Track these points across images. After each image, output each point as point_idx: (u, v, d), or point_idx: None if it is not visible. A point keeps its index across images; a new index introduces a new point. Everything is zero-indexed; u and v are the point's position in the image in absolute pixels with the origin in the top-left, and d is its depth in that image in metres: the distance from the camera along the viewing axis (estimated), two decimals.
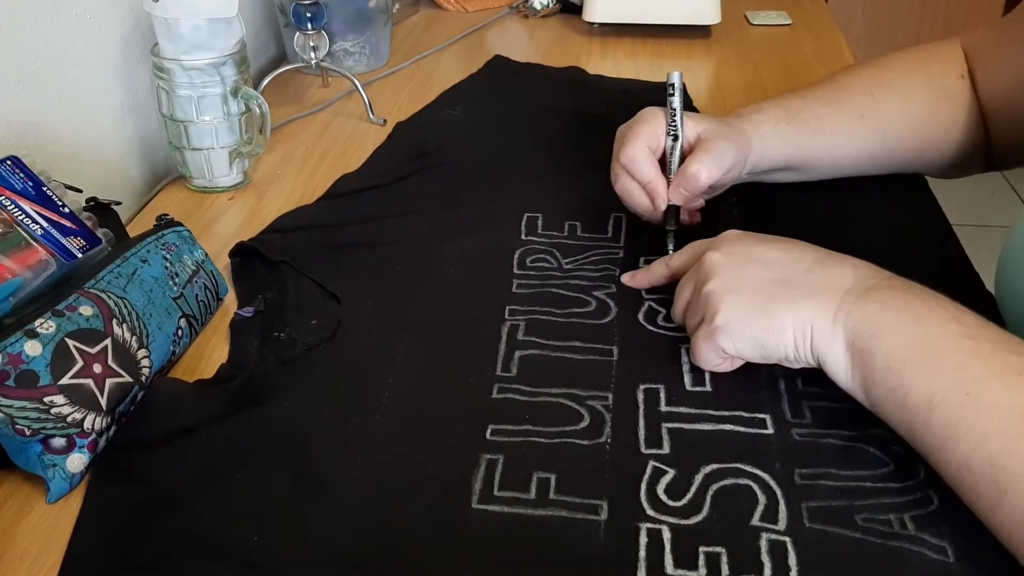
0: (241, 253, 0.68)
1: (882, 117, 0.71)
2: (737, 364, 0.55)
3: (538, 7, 1.24)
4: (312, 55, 0.94)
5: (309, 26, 0.92)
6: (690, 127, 0.66)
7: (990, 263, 0.61)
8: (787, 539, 0.45)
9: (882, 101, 0.71)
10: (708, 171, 0.64)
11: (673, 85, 0.66)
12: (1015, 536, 0.42)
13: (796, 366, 0.52)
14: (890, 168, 0.75)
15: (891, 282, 0.50)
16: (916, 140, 0.72)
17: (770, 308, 0.51)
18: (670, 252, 0.66)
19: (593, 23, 1.17)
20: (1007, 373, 0.44)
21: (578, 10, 1.19)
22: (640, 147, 0.66)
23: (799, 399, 0.54)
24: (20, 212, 0.53)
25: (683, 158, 0.66)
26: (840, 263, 0.52)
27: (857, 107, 0.71)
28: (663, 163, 0.67)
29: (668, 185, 0.66)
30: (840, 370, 0.50)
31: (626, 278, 0.65)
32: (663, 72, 0.71)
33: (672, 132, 0.66)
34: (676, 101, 0.66)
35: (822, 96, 0.72)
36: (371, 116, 0.93)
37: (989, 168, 0.75)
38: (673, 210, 0.66)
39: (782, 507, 0.47)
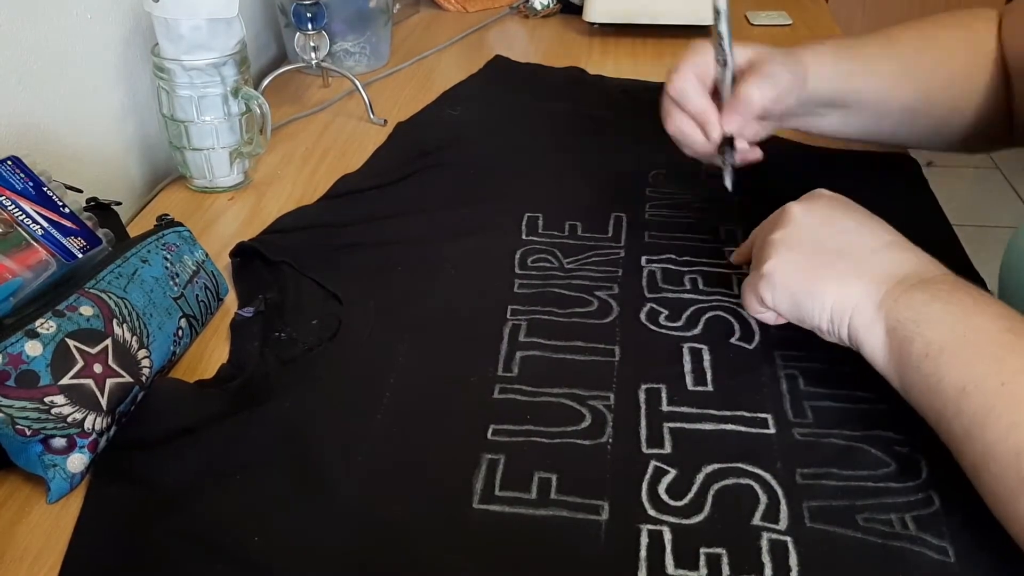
0: (242, 253, 0.68)
1: (927, 67, 0.70)
2: (780, 320, 0.55)
3: (538, 7, 1.24)
4: (312, 55, 0.94)
5: (309, 26, 0.92)
6: (740, 53, 0.63)
7: (990, 263, 0.60)
8: (788, 539, 0.45)
9: (928, 51, 0.71)
10: (761, 92, 0.61)
11: (718, 11, 0.61)
12: None
13: (827, 339, 0.52)
14: (924, 129, 0.73)
15: (945, 277, 0.50)
16: (949, 98, 0.70)
17: (819, 274, 0.51)
18: (728, 187, 0.64)
19: (593, 23, 1.17)
20: None
21: (578, 10, 1.19)
22: (688, 77, 0.63)
23: (801, 399, 0.54)
24: (20, 212, 0.53)
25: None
26: (906, 251, 0.52)
27: (907, 53, 0.70)
28: (716, 97, 0.63)
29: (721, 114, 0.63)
30: (877, 353, 0.50)
31: (734, 258, 0.64)
32: (663, 72, 0.70)
33: (721, 58, 0.62)
34: (723, 26, 0.61)
35: (875, 41, 0.71)
36: (371, 116, 0.93)
37: (1014, 144, 0.73)
38: (728, 142, 0.63)
39: (783, 507, 0.47)
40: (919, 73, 0.71)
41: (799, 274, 0.52)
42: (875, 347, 0.50)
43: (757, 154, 0.66)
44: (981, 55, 0.70)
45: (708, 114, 0.63)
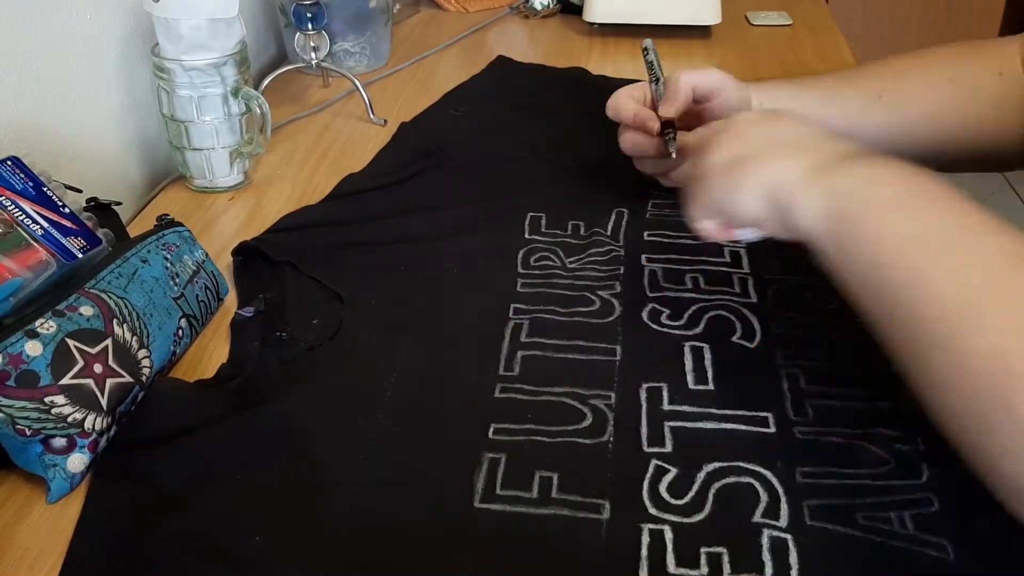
0: (244, 252, 0.68)
1: (901, 102, 0.71)
2: (728, 234, 0.54)
3: (538, 7, 1.24)
4: (312, 55, 0.93)
5: (310, 26, 0.92)
6: (687, 77, 0.70)
7: None
8: (788, 536, 0.45)
9: (905, 84, 0.71)
10: (688, 76, 0.69)
11: (647, 48, 0.74)
12: (975, 379, 0.39)
13: (769, 229, 0.52)
14: (912, 154, 0.73)
15: (893, 160, 0.49)
16: (936, 131, 0.71)
17: (756, 157, 0.51)
18: (672, 155, 0.68)
19: (593, 23, 1.17)
20: (993, 223, 0.43)
21: (578, 10, 1.19)
22: (620, 96, 0.71)
23: (802, 397, 0.54)
24: (20, 212, 0.52)
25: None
26: (843, 140, 0.52)
27: (875, 88, 0.72)
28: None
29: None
30: (811, 219, 0.48)
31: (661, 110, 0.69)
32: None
33: (654, 77, 0.71)
34: (651, 54, 0.73)
35: (840, 75, 0.74)
36: (371, 116, 0.93)
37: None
38: (669, 127, 0.69)
39: (784, 505, 0.47)
40: (894, 104, 0.71)
41: (734, 163, 0.52)
42: (809, 210, 0.48)
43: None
44: (972, 92, 0.70)
45: (642, 112, 0.70)
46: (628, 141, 0.72)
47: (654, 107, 0.71)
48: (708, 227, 0.55)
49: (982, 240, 0.43)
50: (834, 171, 0.48)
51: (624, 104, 0.71)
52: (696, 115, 0.71)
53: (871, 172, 0.48)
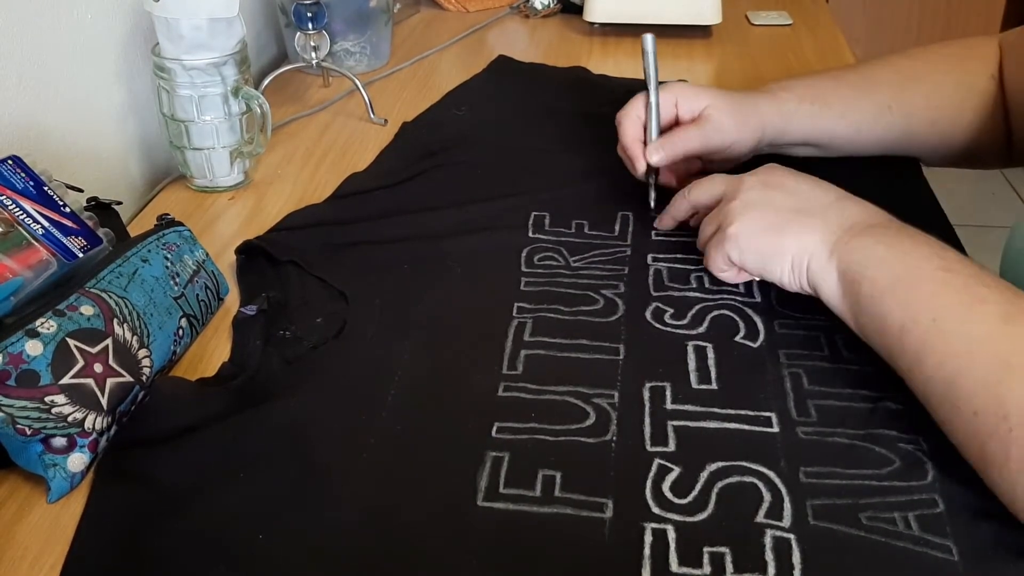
0: (247, 251, 0.68)
1: (908, 110, 0.74)
2: (742, 277, 0.61)
3: (539, 7, 1.23)
4: (313, 55, 0.93)
5: (310, 26, 0.92)
6: (700, 99, 0.71)
7: (990, 263, 0.60)
8: (791, 536, 0.45)
9: (910, 93, 0.73)
10: (686, 142, 0.69)
11: (645, 51, 0.70)
12: (968, 447, 0.47)
13: (790, 289, 0.57)
14: (907, 153, 0.77)
15: (891, 223, 0.55)
16: (936, 134, 0.74)
17: (780, 229, 0.57)
18: (651, 204, 0.72)
19: (593, 23, 1.16)
20: (972, 302, 0.48)
21: (579, 10, 1.19)
22: (629, 114, 0.71)
23: (805, 397, 0.54)
24: (21, 212, 0.52)
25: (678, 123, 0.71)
26: (856, 203, 0.57)
27: (885, 97, 0.74)
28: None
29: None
30: (833, 296, 0.55)
31: (659, 223, 0.71)
32: (663, 73, 0.71)
33: (648, 79, 0.70)
34: (650, 67, 0.70)
35: (853, 82, 0.75)
36: (372, 116, 0.93)
37: (1007, 164, 0.76)
38: (653, 169, 0.71)
39: (787, 504, 0.47)
40: (901, 113, 0.74)
41: (762, 230, 0.57)
42: (830, 289, 0.55)
43: (674, 182, 0.74)
44: (972, 96, 0.73)
45: (633, 150, 0.71)
46: (619, 150, 0.74)
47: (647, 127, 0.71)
48: (729, 275, 0.61)
49: (959, 328, 0.48)
50: (842, 251, 0.54)
51: (627, 127, 0.71)
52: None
53: (870, 255, 0.53)
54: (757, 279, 0.61)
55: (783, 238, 0.56)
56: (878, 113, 0.74)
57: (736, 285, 0.64)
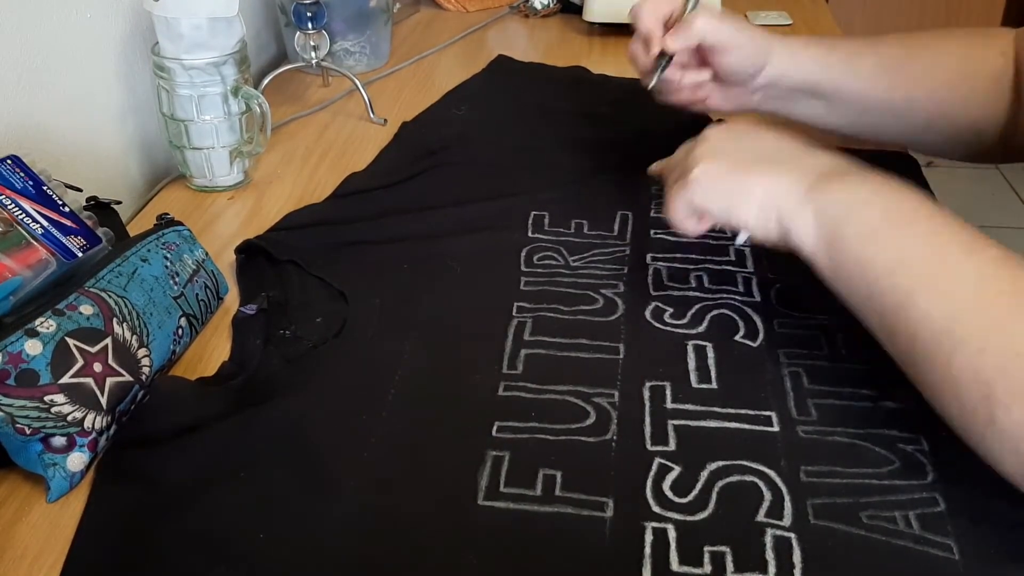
0: (246, 250, 0.68)
1: (908, 74, 0.72)
2: (703, 228, 0.56)
3: (538, 7, 1.23)
4: (312, 54, 0.93)
5: (310, 25, 0.92)
6: (702, 27, 0.68)
7: None
8: (792, 535, 0.45)
9: (914, 59, 0.72)
10: (704, 21, 0.67)
11: None
12: (963, 394, 0.44)
13: (755, 234, 0.54)
14: (908, 130, 0.75)
15: (870, 170, 0.53)
16: (935, 103, 0.72)
17: (748, 170, 0.54)
18: (648, 86, 0.71)
19: (593, 23, 1.16)
20: (972, 241, 0.47)
21: (578, 10, 1.18)
22: (647, 4, 0.69)
23: (805, 396, 0.54)
24: (20, 211, 0.52)
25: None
26: (828, 153, 0.55)
27: (890, 56, 0.73)
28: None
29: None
30: (807, 239, 0.52)
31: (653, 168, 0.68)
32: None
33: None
34: None
35: (860, 41, 0.74)
36: (372, 116, 0.93)
37: (1007, 159, 0.75)
38: (666, 59, 0.69)
39: (787, 504, 0.47)
40: (902, 76, 0.72)
41: (727, 173, 0.55)
42: (803, 232, 0.52)
43: (698, 96, 0.73)
44: (974, 71, 0.72)
45: (653, 32, 0.69)
46: (631, 51, 0.72)
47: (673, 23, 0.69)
48: (689, 225, 0.57)
49: (961, 265, 0.46)
50: (820, 192, 0.51)
51: (646, 14, 0.69)
52: (706, 59, 0.71)
53: (854, 195, 0.51)
54: (730, 236, 0.58)
55: (750, 178, 0.54)
56: (882, 67, 0.72)
57: (736, 284, 0.64)
